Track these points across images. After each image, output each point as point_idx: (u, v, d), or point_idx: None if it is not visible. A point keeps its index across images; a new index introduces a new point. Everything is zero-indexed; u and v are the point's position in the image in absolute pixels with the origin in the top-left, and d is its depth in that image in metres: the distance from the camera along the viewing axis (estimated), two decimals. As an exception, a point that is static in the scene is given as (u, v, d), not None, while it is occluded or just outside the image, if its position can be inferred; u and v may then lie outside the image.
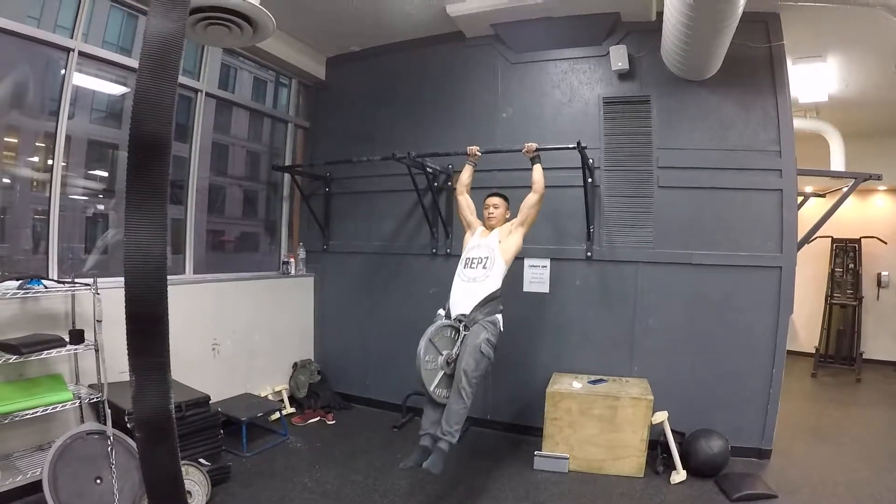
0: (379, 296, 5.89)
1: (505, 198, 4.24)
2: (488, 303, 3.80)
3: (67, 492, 3.15)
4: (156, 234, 0.77)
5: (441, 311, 3.93)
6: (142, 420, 0.77)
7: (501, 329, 3.87)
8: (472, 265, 3.93)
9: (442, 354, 3.65)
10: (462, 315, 3.77)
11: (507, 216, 4.22)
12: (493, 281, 3.85)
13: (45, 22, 3.85)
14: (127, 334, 0.76)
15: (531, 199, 4.03)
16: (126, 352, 0.79)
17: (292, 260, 6.05)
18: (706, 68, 4.46)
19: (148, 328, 0.77)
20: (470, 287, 3.86)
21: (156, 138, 0.78)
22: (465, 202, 4.33)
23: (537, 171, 4.07)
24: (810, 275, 8.33)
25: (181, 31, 0.80)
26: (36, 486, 3.21)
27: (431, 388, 3.60)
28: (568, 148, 4.28)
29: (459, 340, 3.71)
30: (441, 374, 3.66)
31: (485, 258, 3.92)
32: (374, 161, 5.05)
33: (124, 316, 0.76)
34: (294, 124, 6.28)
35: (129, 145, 0.77)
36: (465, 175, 4.37)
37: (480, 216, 4.29)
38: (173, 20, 0.79)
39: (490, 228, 4.15)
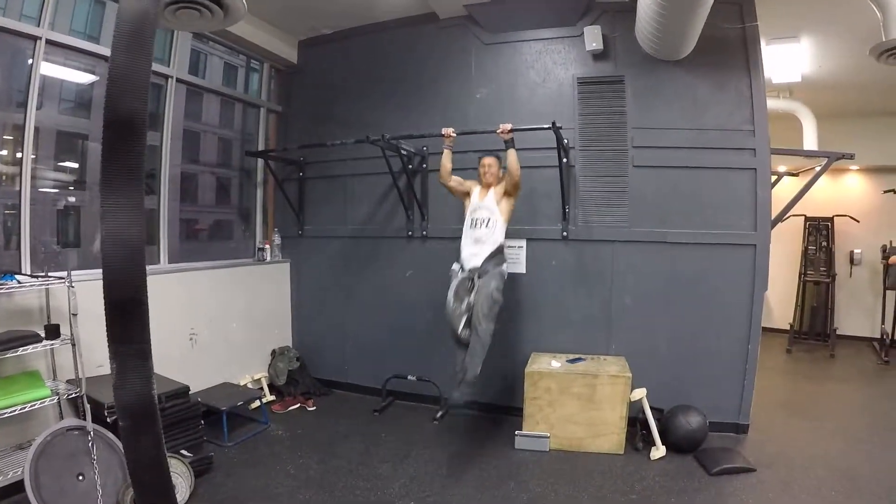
0: (355, 280, 5.87)
1: (496, 157, 4.44)
2: (495, 256, 4.27)
3: (50, 490, 3.09)
4: (133, 215, 0.75)
5: (455, 266, 4.40)
6: (124, 407, 0.75)
7: (507, 275, 4.35)
8: (477, 225, 4.34)
9: (464, 302, 4.15)
10: (475, 268, 4.23)
11: (501, 174, 4.42)
12: (496, 237, 4.31)
13: (11, 11, 3.72)
14: (106, 320, 0.74)
15: (507, 183, 4.30)
16: (104, 342, 0.76)
17: (268, 246, 5.99)
18: (680, 48, 4.47)
19: (127, 313, 0.75)
20: (477, 246, 4.30)
21: (131, 116, 0.75)
22: (456, 183, 4.55)
23: (511, 156, 4.19)
24: (784, 253, 8.44)
25: (154, 9, 0.77)
26: (18, 486, 3.15)
27: (459, 331, 4.11)
28: (543, 128, 4.28)
29: (475, 290, 4.18)
30: (465, 318, 4.14)
31: (487, 219, 4.32)
32: (347, 144, 5.00)
33: (103, 301, 0.74)
34: (266, 109, 6.18)
35: (104, 124, 0.74)
36: (447, 160, 4.46)
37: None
38: (146, -2, 0.77)
39: (487, 186, 4.41)
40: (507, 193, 4.32)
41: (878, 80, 6.24)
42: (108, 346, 0.74)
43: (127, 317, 0.76)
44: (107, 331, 0.74)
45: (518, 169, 4.17)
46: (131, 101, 0.76)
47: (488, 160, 4.41)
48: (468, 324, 4.13)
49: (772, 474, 3.97)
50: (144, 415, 0.77)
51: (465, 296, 4.18)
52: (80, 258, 4.46)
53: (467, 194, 4.51)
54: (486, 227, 4.31)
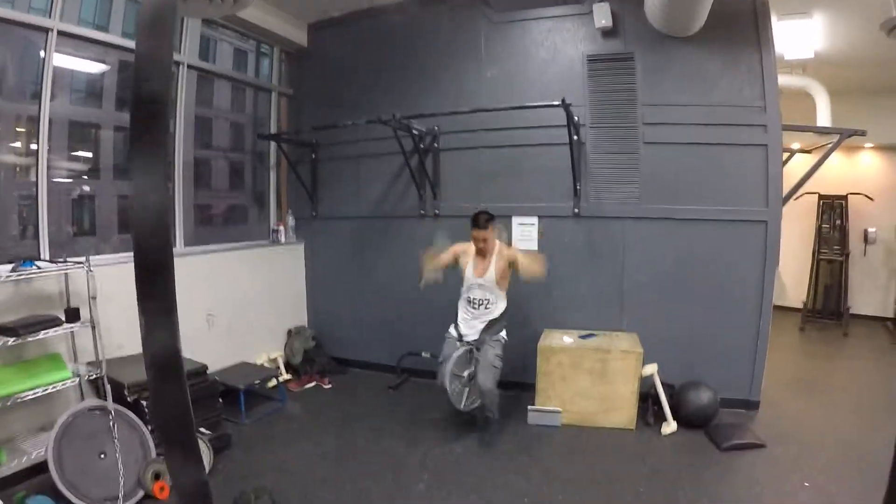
0: (369, 259, 5.92)
1: (490, 220, 4.29)
2: (494, 325, 4.35)
3: (72, 469, 3.18)
4: (158, 185, 0.80)
5: (452, 332, 4.45)
6: (152, 359, 0.80)
7: (506, 339, 4.42)
8: (475, 305, 4.36)
9: (462, 376, 4.28)
10: (473, 340, 4.31)
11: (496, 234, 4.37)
12: (496, 312, 4.35)
13: (20, 3, 3.74)
14: (136, 281, 0.79)
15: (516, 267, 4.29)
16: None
17: (282, 228, 6.05)
18: (690, 25, 4.44)
19: (154, 274, 0.81)
20: (476, 321, 4.36)
21: (155, 96, 0.80)
22: (448, 260, 4.46)
23: (523, 266, 4.24)
24: (798, 231, 8.42)
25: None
26: (42, 467, 3.24)
27: (462, 407, 4.30)
28: (553, 105, 4.27)
29: (474, 360, 4.29)
30: (466, 391, 4.32)
31: (486, 300, 4.33)
32: (359, 125, 5.04)
33: (133, 263, 0.80)
34: (278, 92, 6.21)
35: (132, 104, 0.80)
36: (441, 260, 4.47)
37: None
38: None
39: (482, 255, 4.33)
40: (510, 267, 4.31)
41: (893, 57, 6.17)
42: (137, 303, 0.80)
43: (154, 278, 0.82)
44: (136, 290, 0.80)
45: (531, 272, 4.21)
46: (156, 83, 0.81)
47: (482, 234, 4.24)
48: (469, 394, 4.34)
49: (782, 451, 4.00)
50: (170, 366, 0.82)
51: (464, 368, 4.29)
52: (95, 246, 4.54)
53: (456, 260, 4.44)
54: (484, 308, 4.34)
